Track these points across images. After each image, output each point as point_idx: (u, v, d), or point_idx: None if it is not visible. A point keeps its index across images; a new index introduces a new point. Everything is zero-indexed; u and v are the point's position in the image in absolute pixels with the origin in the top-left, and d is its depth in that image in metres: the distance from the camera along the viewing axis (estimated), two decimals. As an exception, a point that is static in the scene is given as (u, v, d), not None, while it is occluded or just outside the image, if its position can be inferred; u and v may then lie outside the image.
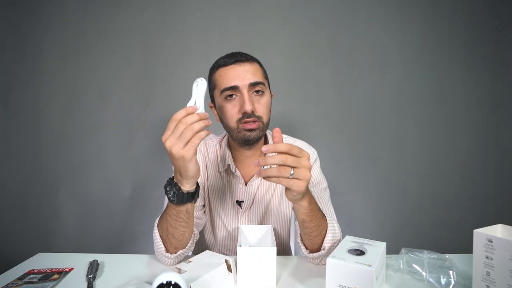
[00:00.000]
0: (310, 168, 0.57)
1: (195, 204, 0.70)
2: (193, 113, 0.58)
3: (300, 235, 0.72)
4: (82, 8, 1.60)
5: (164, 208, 0.72)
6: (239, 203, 0.87)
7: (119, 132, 1.63)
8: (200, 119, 0.57)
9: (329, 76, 1.62)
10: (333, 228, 0.71)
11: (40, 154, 1.63)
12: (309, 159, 0.58)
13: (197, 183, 0.67)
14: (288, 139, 0.92)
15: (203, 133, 0.58)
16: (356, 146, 1.64)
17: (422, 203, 1.63)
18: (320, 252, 0.70)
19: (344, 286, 0.53)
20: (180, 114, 0.57)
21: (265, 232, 0.75)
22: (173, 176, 0.65)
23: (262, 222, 0.89)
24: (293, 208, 0.70)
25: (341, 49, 1.62)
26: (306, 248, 0.73)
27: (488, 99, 1.61)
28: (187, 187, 0.64)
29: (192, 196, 0.65)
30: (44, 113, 1.63)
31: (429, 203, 1.63)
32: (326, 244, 0.69)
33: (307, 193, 0.63)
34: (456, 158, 1.62)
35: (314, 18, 1.62)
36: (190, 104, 0.60)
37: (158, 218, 0.79)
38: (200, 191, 0.69)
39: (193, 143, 0.57)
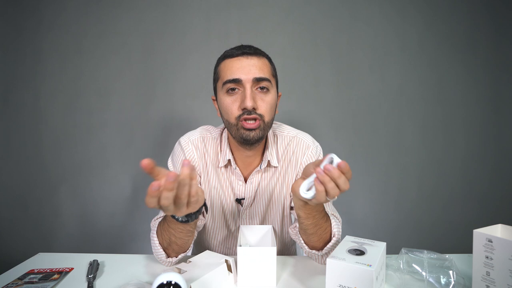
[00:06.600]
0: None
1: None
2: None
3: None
4: (83, 8, 1.60)
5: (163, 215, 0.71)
6: (239, 201, 0.83)
7: (119, 132, 1.63)
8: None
9: (329, 76, 1.62)
10: (338, 230, 0.72)
11: (41, 154, 1.63)
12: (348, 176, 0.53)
13: (204, 202, 0.60)
14: (291, 131, 0.88)
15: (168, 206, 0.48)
16: (356, 146, 1.64)
17: (422, 203, 1.63)
18: (318, 252, 0.71)
19: (344, 286, 0.53)
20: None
21: (265, 232, 0.75)
22: None
23: (263, 220, 0.86)
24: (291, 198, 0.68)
25: (341, 49, 1.62)
26: (305, 243, 0.72)
27: (487, 99, 1.62)
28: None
29: (195, 215, 0.60)
30: (44, 113, 1.63)
31: (429, 203, 1.63)
32: (326, 248, 0.70)
33: None
34: (456, 158, 1.63)
35: (314, 18, 1.62)
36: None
37: (154, 221, 0.77)
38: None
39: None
